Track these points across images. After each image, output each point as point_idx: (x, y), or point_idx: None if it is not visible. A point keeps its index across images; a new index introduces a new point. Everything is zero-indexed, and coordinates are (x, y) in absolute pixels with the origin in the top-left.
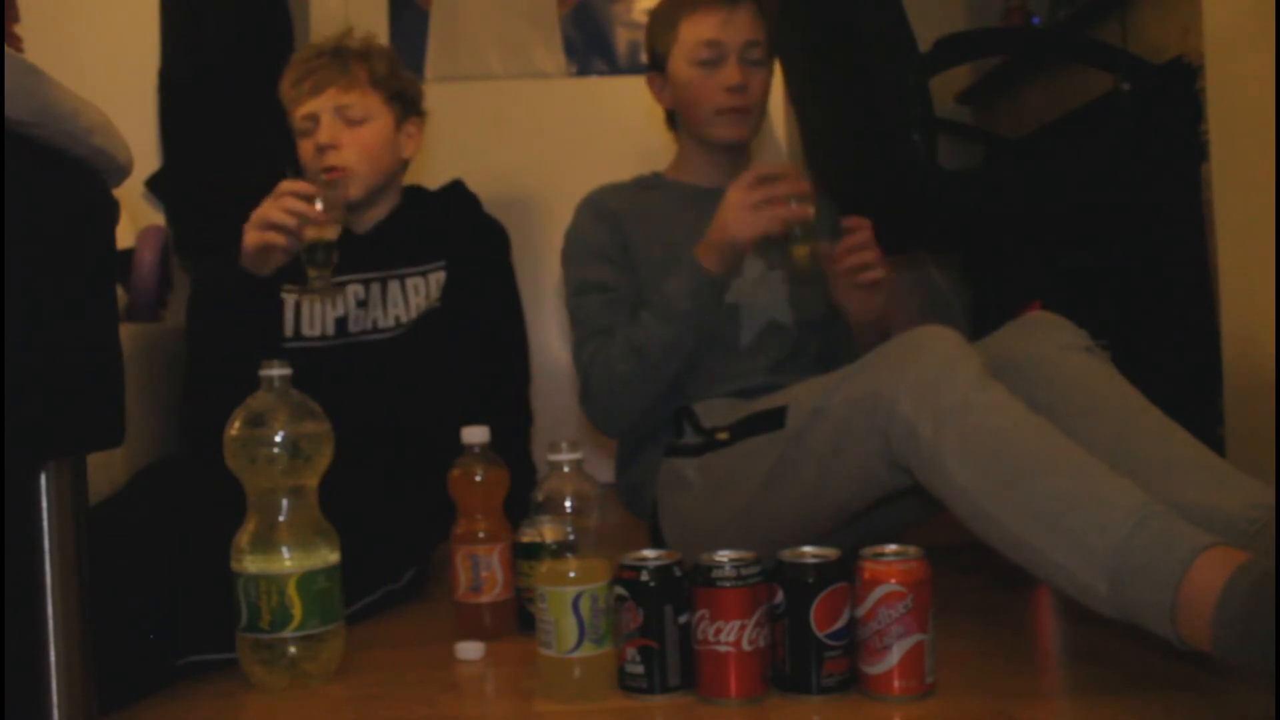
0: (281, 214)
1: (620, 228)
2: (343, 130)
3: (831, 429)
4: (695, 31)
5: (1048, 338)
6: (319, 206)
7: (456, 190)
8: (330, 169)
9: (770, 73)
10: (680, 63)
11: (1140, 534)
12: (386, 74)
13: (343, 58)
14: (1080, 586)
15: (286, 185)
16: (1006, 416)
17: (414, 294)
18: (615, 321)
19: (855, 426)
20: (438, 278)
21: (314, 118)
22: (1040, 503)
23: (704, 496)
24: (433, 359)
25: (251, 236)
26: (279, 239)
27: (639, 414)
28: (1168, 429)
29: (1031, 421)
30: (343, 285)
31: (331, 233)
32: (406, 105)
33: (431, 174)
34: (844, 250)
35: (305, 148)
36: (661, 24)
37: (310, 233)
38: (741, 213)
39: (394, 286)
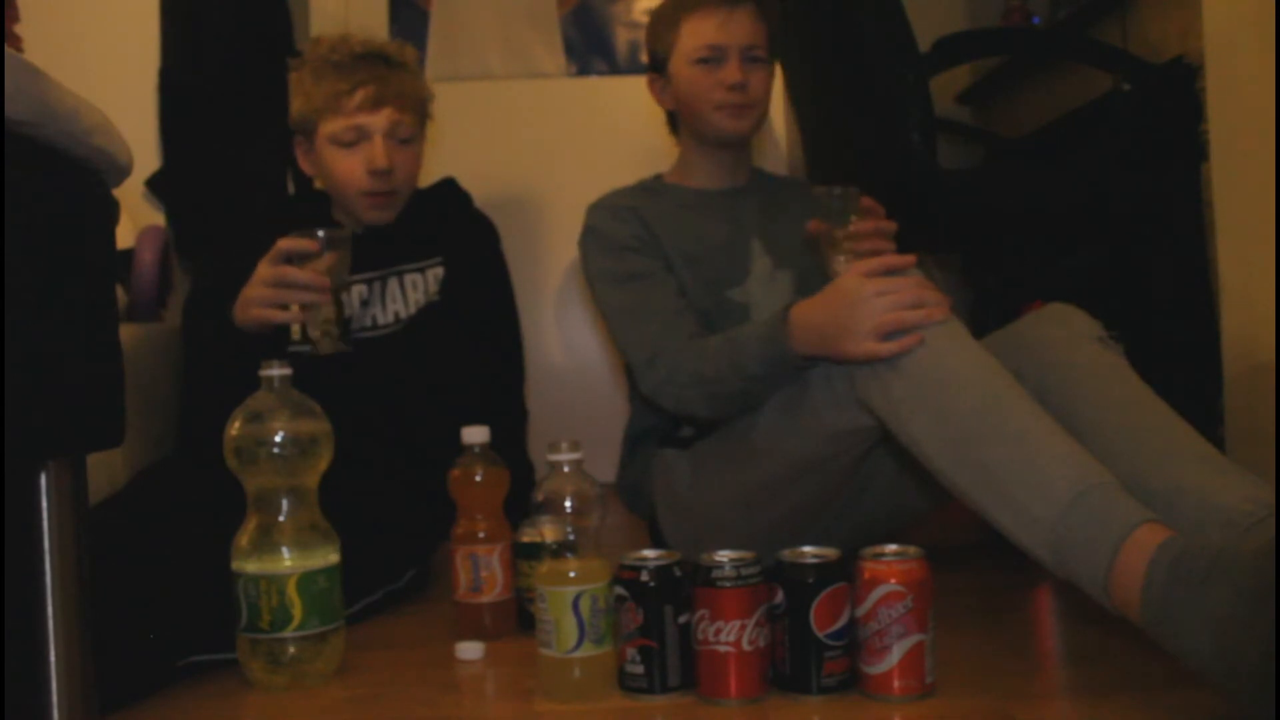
0: (291, 294)
1: (642, 220)
2: (395, 151)
3: (806, 378)
4: (696, 33)
5: (1061, 327)
6: (325, 264)
7: (449, 188)
8: (335, 224)
9: (771, 72)
10: (681, 63)
11: (1077, 510)
12: (424, 90)
13: (395, 71)
14: (1026, 549)
15: (286, 245)
16: (955, 362)
17: (413, 290)
18: (665, 311)
19: (823, 368)
20: (436, 273)
21: (362, 131)
22: (985, 465)
23: (694, 481)
24: (432, 353)
25: (255, 314)
26: (286, 317)
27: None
28: (1172, 421)
29: (979, 368)
30: (351, 342)
31: (327, 295)
32: (427, 118)
33: (432, 174)
34: (867, 230)
35: (346, 161)
36: (662, 25)
37: (305, 296)
38: (867, 305)
39: (393, 284)
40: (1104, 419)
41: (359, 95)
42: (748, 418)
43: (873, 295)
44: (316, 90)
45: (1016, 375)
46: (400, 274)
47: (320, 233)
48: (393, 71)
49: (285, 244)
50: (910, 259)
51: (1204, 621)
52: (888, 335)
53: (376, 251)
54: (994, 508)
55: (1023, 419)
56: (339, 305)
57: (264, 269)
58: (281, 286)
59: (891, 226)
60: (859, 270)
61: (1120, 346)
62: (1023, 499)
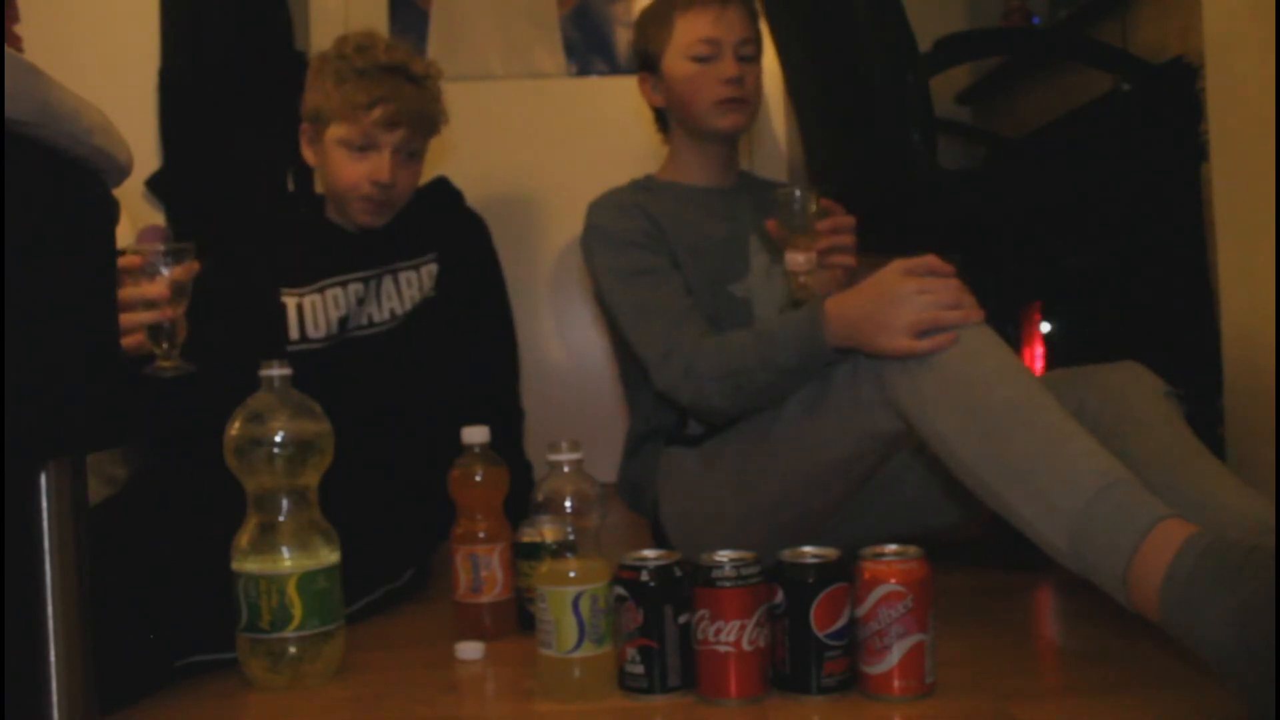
0: (129, 318)
1: (648, 214)
2: (400, 166)
3: (824, 376)
4: (691, 29)
5: (1126, 376)
6: (163, 278)
7: (441, 186)
8: (182, 243)
9: (761, 69)
10: (676, 60)
11: (1103, 501)
12: (439, 111)
13: (416, 89)
14: (1044, 542)
15: (122, 264)
16: (987, 362)
17: (407, 287)
18: (676, 307)
19: (847, 369)
20: (430, 270)
21: (372, 141)
22: (1012, 457)
23: (703, 479)
24: (429, 349)
25: (126, 343)
26: (125, 343)
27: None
28: (1210, 458)
29: (1009, 369)
30: (189, 365)
31: (174, 310)
32: (435, 133)
33: (431, 172)
34: (825, 229)
35: (352, 166)
36: (654, 24)
37: (150, 316)
38: (906, 302)
39: (388, 281)
40: (1145, 447)
41: (376, 112)
42: (764, 418)
43: (913, 292)
44: (336, 93)
45: (1075, 409)
46: (395, 272)
47: (160, 247)
48: (413, 88)
49: (122, 264)
50: (951, 267)
51: (1229, 614)
52: (923, 333)
53: (371, 250)
54: (1015, 499)
55: (1052, 416)
56: (178, 323)
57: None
58: (130, 315)
59: (850, 221)
60: (900, 267)
61: (1183, 406)
62: (1047, 489)
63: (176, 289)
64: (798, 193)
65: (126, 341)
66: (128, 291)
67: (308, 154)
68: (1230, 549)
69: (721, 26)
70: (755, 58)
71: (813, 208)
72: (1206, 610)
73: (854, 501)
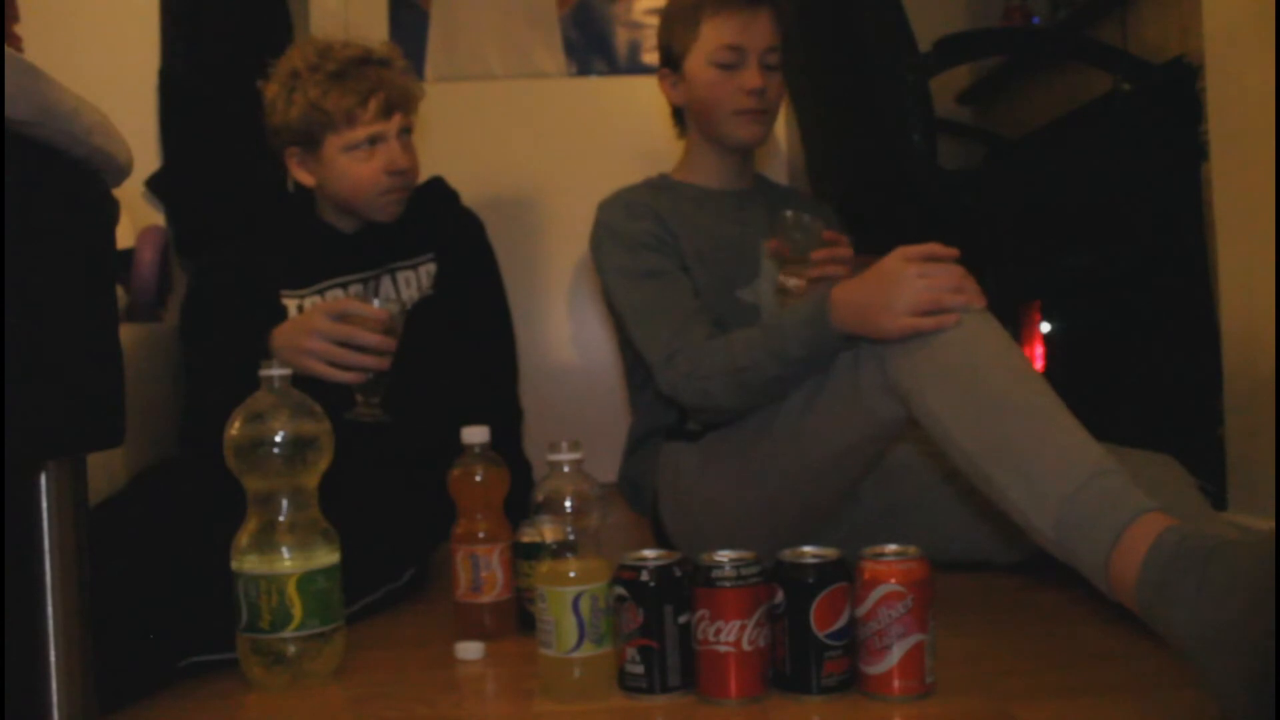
0: (354, 356)
1: (658, 216)
2: (406, 148)
3: (831, 370)
4: (717, 34)
5: (1149, 461)
6: (394, 336)
7: (438, 186)
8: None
9: (783, 77)
10: (699, 63)
11: (1090, 489)
12: (418, 86)
13: (392, 72)
14: (1030, 526)
15: (351, 308)
16: (986, 347)
17: (405, 286)
18: (682, 309)
19: (848, 357)
20: (428, 269)
21: (379, 137)
22: (1005, 441)
23: (703, 473)
24: (427, 347)
25: (309, 365)
26: (346, 378)
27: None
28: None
29: (1009, 356)
30: (389, 416)
31: (388, 361)
32: None
33: (432, 173)
34: (821, 258)
35: (365, 166)
36: (680, 22)
37: (374, 361)
38: (908, 284)
39: (386, 281)
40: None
41: (372, 106)
42: (765, 411)
43: (914, 276)
44: (324, 103)
45: None
46: (394, 271)
47: (376, 301)
48: (390, 72)
49: (349, 305)
50: (954, 251)
51: (1199, 603)
52: (925, 313)
53: (369, 251)
54: (1005, 479)
55: (1048, 403)
56: (385, 377)
57: (325, 323)
58: (345, 346)
59: (847, 254)
60: (902, 254)
61: (1209, 501)
62: (1037, 473)
63: (391, 344)
64: (806, 219)
65: (343, 377)
66: (361, 334)
67: (302, 176)
68: (1206, 540)
69: (748, 34)
70: (780, 66)
71: (818, 237)
72: (1178, 598)
73: (882, 526)
